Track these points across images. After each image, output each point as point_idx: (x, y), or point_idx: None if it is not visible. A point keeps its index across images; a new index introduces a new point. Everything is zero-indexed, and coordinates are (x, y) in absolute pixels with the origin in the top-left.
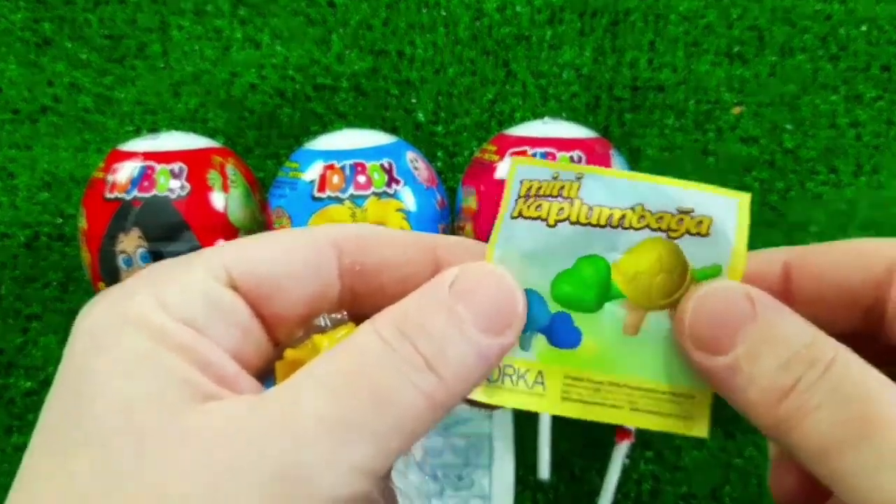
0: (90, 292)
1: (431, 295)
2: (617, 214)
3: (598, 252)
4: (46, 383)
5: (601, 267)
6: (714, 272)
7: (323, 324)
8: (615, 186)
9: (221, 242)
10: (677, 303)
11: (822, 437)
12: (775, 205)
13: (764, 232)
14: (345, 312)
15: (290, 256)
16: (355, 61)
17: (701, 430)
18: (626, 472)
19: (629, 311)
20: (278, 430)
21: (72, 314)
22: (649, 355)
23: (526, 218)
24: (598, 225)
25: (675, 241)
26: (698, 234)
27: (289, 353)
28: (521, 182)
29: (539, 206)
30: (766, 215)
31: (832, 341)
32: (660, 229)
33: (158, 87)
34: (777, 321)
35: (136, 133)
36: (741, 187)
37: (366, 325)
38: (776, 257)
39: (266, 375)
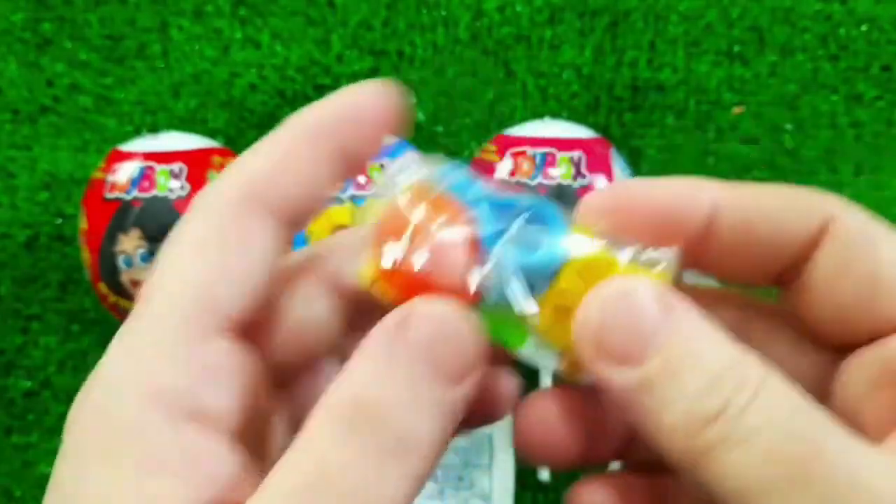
0: (90, 292)
1: (382, 357)
2: None
3: None
4: (46, 384)
5: None
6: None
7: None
8: None
9: None
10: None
11: (748, 477)
12: None
13: None
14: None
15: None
16: (355, 61)
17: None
18: None
19: None
20: None
21: (72, 314)
22: None
23: None
24: None
25: None
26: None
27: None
28: None
29: None
30: None
31: (758, 360)
32: None
33: (158, 87)
34: (698, 331)
35: (136, 133)
36: None
37: (319, 414)
38: (705, 193)
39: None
